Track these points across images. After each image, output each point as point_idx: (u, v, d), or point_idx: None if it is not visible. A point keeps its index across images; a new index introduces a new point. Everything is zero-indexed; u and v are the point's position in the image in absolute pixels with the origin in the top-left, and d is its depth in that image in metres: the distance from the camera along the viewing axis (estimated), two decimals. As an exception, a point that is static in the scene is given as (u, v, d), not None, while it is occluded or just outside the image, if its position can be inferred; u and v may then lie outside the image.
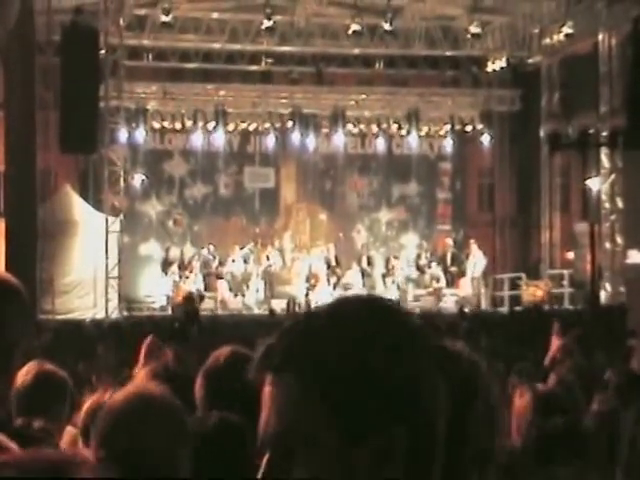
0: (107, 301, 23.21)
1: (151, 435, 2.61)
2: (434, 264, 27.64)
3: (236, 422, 3.29)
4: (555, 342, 10.81)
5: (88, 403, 3.78)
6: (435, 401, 1.46)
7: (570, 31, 26.00)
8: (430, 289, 27.21)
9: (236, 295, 26.07)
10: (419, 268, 27.72)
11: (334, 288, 26.43)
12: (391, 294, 26.81)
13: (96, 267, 23.31)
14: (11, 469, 1.12)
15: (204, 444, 3.09)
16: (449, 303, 26.48)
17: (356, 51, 27.89)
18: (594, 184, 26.03)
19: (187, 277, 25.94)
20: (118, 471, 2.50)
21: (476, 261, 27.32)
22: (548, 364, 8.57)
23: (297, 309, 24.64)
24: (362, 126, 29.00)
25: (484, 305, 26.68)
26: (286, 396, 1.43)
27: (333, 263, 27.10)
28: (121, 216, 24.43)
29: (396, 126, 28.95)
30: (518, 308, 24.51)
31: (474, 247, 27.58)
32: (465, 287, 27.36)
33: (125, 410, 2.66)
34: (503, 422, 4.63)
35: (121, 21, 25.28)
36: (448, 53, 28.36)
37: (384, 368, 1.42)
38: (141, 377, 4.27)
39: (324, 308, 1.51)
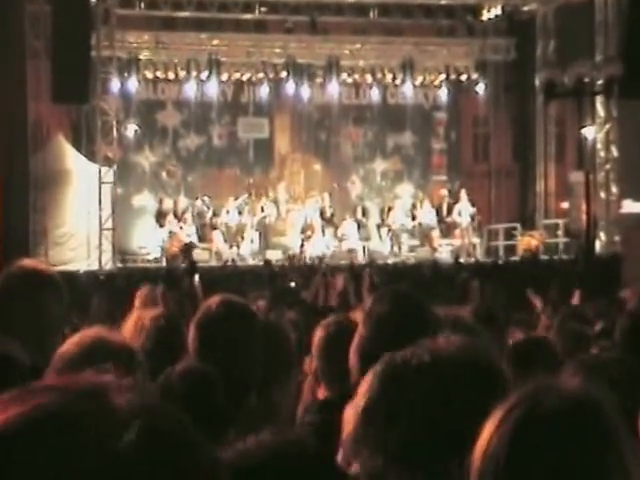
0: (101, 252, 23.11)
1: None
2: (429, 214, 27.52)
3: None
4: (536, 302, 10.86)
5: None
6: None
7: (566, -22, 25.77)
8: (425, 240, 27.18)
9: (231, 246, 26.01)
10: (414, 218, 27.60)
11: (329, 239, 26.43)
12: (385, 244, 26.87)
13: (89, 218, 23.21)
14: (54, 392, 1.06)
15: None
16: (444, 253, 26.44)
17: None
18: (589, 133, 25.90)
19: (181, 228, 25.84)
20: None
21: (461, 210, 27.17)
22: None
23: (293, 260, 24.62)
24: (356, 76, 28.76)
25: (479, 255, 26.63)
26: None
27: (328, 214, 27.01)
28: (114, 167, 24.26)
29: (391, 76, 28.74)
30: (514, 258, 24.50)
31: (463, 196, 27.46)
32: (460, 237, 27.32)
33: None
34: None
35: (112, -31, 24.98)
36: (443, 2, 28.05)
37: None
38: (131, 322, 4.20)
39: None
